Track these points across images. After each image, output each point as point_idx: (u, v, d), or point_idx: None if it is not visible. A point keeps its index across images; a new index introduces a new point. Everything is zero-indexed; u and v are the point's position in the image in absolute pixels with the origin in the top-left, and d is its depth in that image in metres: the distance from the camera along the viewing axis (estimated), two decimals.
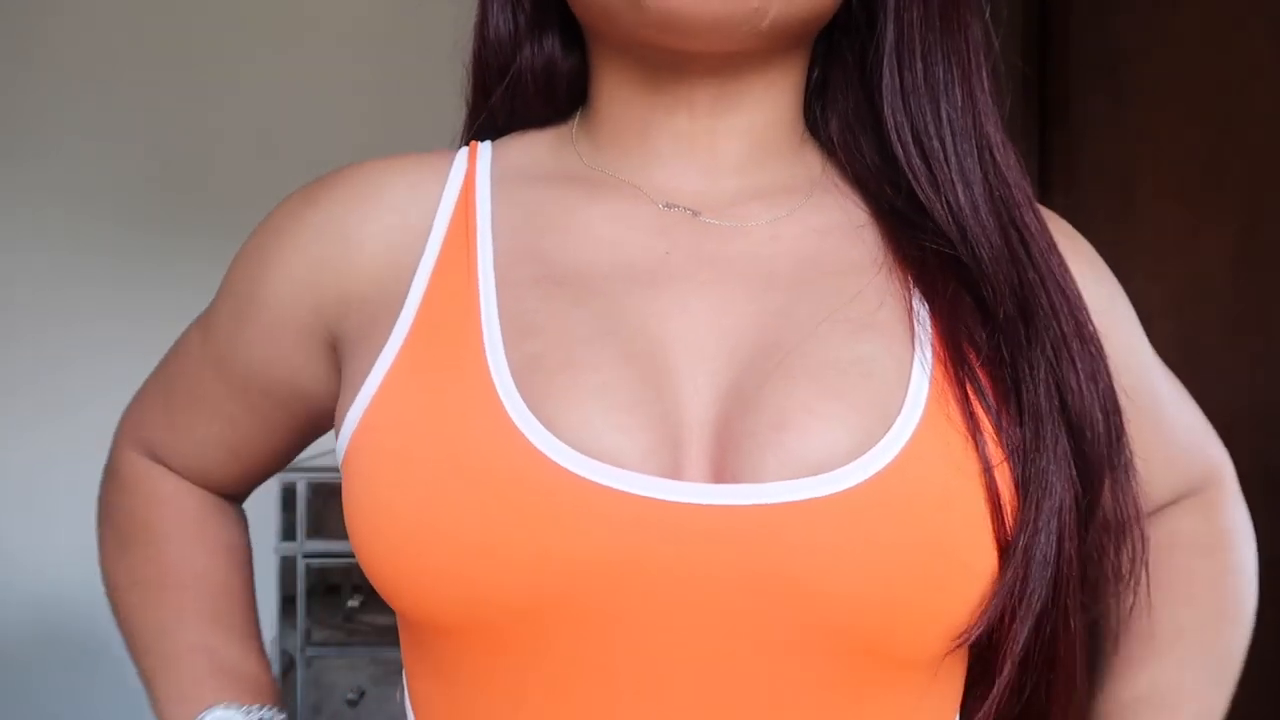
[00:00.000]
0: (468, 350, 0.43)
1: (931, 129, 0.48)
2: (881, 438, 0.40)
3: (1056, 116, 1.38)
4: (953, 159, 0.48)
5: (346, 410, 0.45)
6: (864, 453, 0.40)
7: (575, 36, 0.52)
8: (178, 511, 0.60)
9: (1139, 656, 0.51)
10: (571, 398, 0.41)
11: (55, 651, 2.31)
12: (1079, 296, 0.47)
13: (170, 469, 0.60)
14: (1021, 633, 0.41)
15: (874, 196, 0.49)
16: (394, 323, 0.45)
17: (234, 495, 0.62)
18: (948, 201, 0.47)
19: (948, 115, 0.48)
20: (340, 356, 0.50)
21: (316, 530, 1.96)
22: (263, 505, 2.47)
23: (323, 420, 0.54)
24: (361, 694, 1.98)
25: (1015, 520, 0.41)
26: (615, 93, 0.49)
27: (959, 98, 0.49)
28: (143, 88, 2.31)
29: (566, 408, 0.41)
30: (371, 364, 0.45)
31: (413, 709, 0.48)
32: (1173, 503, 0.57)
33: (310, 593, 1.96)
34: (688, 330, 0.44)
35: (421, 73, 2.34)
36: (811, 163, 0.51)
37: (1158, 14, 1.14)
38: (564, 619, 0.40)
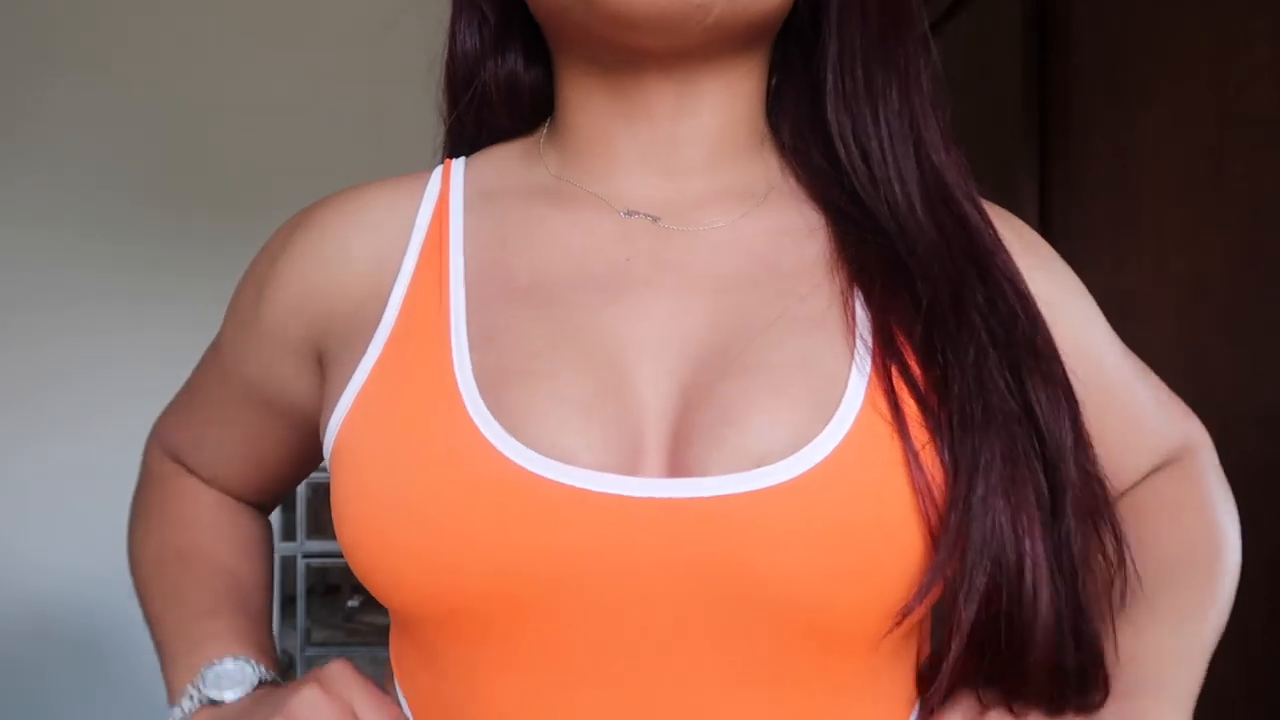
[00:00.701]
0: (437, 360, 0.46)
1: (870, 130, 0.50)
2: (819, 433, 0.43)
3: (1057, 116, 1.38)
4: (890, 159, 0.50)
5: (329, 417, 0.49)
6: (803, 447, 0.43)
7: (539, 51, 0.55)
8: (201, 505, 0.64)
9: (1123, 617, 0.50)
10: (531, 403, 0.44)
11: (55, 652, 2.31)
12: (1022, 288, 0.49)
13: (194, 474, 0.65)
14: (967, 611, 0.42)
15: (824, 197, 0.52)
16: (373, 334, 0.49)
17: (256, 504, 0.68)
18: (886, 199, 0.50)
19: (885, 119, 0.51)
20: (324, 368, 0.53)
21: (316, 530, 1.97)
22: None
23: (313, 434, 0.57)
24: None
25: (946, 502, 0.43)
26: (579, 102, 0.52)
27: (896, 103, 0.51)
28: (141, 85, 2.31)
29: (526, 413, 0.44)
30: (351, 373, 0.48)
31: (402, 691, 0.51)
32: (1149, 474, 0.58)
33: (310, 593, 1.97)
34: (646, 334, 0.47)
35: (419, 71, 2.34)
36: (770, 165, 0.54)
37: (1158, 14, 1.14)
38: (526, 607, 0.43)
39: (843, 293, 0.48)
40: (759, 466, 0.42)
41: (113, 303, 2.30)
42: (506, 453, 0.43)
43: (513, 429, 0.44)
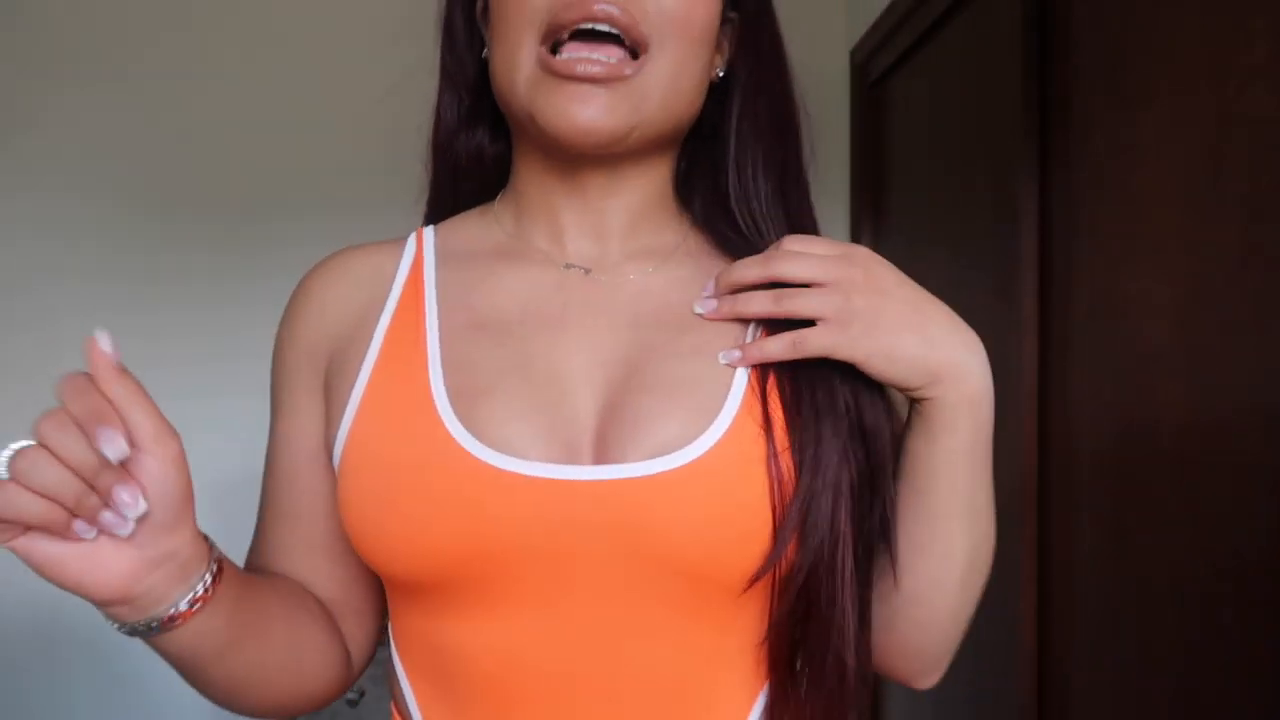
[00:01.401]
0: (417, 382, 0.60)
1: (760, 210, 0.67)
2: (703, 433, 0.58)
3: (1056, 116, 1.38)
4: (771, 229, 0.66)
5: (334, 434, 0.62)
6: (690, 443, 0.57)
7: (503, 129, 0.70)
8: (286, 583, 0.69)
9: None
10: (492, 414, 0.58)
11: (55, 652, 2.31)
12: None
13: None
14: (797, 579, 0.58)
15: (726, 255, 0.67)
16: (361, 363, 0.63)
17: (353, 633, 0.72)
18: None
19: (769, 204, 0.67)
20: (325, 397, 0.66)
21: None
22: None
23: None
24: (361, 694, 1.98)
25: (793, 494, 0.57)
26: (530, 177, 0.67)
27: (779, 193, 0.67)
28: (138, 84, 2.31)
29: (488, 422, 0.58)
30: (348, 398, 0.62)
31: (395, 642, 0.66)
32: None
33: None
34: (578, 360, 0.62)
35: (423, 81, 2.34)
36: (679, 229, 0.70)
37: (1158, 14, 1.14)
38: (492, 566, 0.57)
39: (732, 329, 0.63)
40: (660, 456, 0.57)
41: (117, 307, 2.30)
42: (474, 453, 0.57)
43: (478, 434, 0.57)
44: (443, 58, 0.70)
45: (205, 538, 0.58)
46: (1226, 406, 1.02)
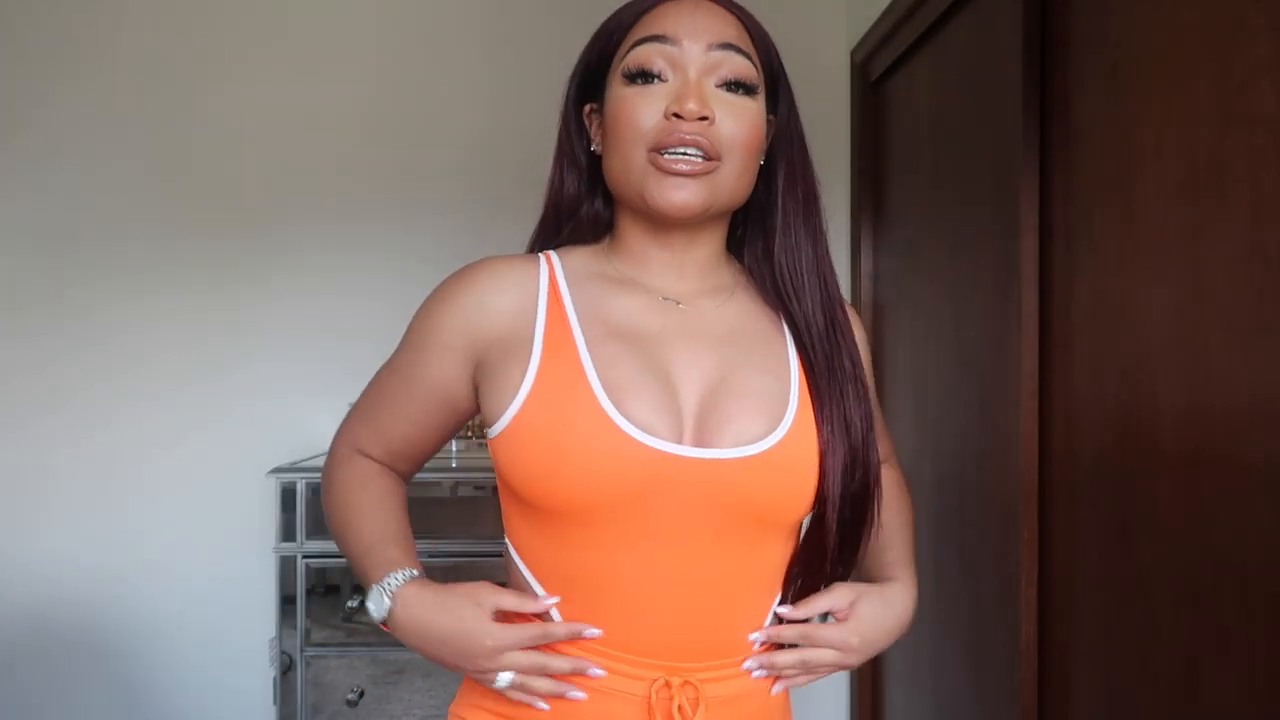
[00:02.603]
0: (578, 376, 0.84)
1: (797, 266, 0.94)
2: (775, 429, 0.86)
3: (1057, 117, 1.38)
4: (803, 282, 0.93)
5: (504, 407, 0.85)
6: (767, 436, 0.85)
7: (609, 198, 0.96)
8: (365, 474, 0.98)
9: (882, 544, 1.00)
10: (635, 403, 0.84)
11: (54, 653, 2.31)
12: (858, 358, 0.93)
13: (369, 457, 0.99)
14: (833, 513, 0.88)
15: (765, 296, 0.96)
16: (529, 359, 0.86)
17: (407, 473, 1.02)
18: (800, 305, 0.93)
19: (804, 259, 0.94)
20: (483, 375, 0.90)
21: (316, 531, 1.96)
22: (263, 506, 2.49)
23: (461, 416, 0.95)
24: (361, 694, 1.97)
25: (820, 468, 0.87)
26: (632, 234, 0.93)
27: (810, 251, 0.94)
28: (136, 83, 2.31)
29: (632, 406, 0.83)
30: (519, 383, 0.85)
31: (526, 566, 0.89)
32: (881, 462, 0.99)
33: (310, 593, 1.96)
34: (683, 368, 0.88)
35: (414, 72, 2.35)
36: (732, 272, 0.97)
37: (1158, 14, 1.14)
38: (633, 504, 0.83)
39: (784, 353, 0.92)
40: (747, 445, 0.84)
41: (116, 308, 2.30)
42: (623, 428, 0.82)
43: (626, 415, 0.82)
44: (561, 144, 0.96)
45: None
46: (1226, 406, 1.02)
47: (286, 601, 2.00)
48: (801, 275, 0.93)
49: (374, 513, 0.96)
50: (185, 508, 2.31)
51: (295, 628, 1.98)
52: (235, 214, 2.31)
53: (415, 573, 0.89)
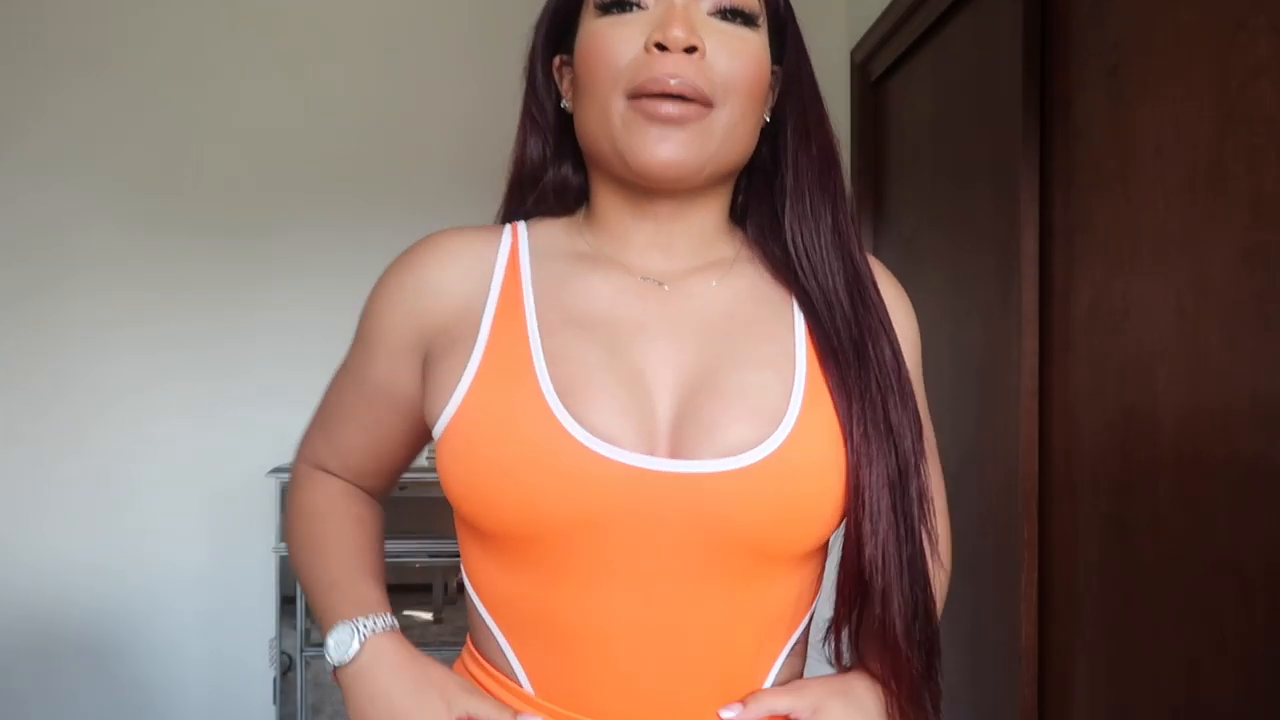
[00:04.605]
0: (525, 370, 0.69)
1: (813, 238, 0.77)
2: (770, 436, 0.68)
3: (1057, 116, 1.38)
4: (825, 256, 0.76)
5: (442, 406, 0.71)
6: (760, 444, 0.68)
7: (582, 161, 0.80)
8: (331, 498, 0.85)
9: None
10: (592, 405, 0.68)
11: (54, 653, 2.31)
12: (897, 344, 0.75)
13: (330, 474, 0.86)
14: (868, 547, 0.70)
15: (775, 274, 0.78)
16: (471, 349, 0.72)
17: (378, 490, 0.89)
18: (819, 283, 0.76)
19: (821, 230, 0.77)
20: (427, 366, 0.75)
21: None
22: (262, 506, 2.49)
23: (423, 421, 0.78)
24: None
25: (848, 485, 0.70)
26: (608, 203, 0.77)
27: (829, 219, 0.77)
28: (135, 85, 2.30)
29: (589, 411, 0.68)
30: (459, 377, 0.71)
31: (479, 596, 0.75)
32: None
33: None
34: (657, 364, 0.72)
35: (413, 72, 2.35)
36: (732, 248, 0.80)
37: (1158, 14, 1.14)
38: (589, 533, 0.67)
39: (789, 340, 0.75)
40: (732, 455, 0.68)
41: (115, 307, 2.30)
42: (579, 438, 0.66)
43: (580, 421, 0.67)
44: (527, 102, 0.82)
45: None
46: (1226, 406, 1.02)
47: (286, 601, 2.00)
48: (819, 249, 0.77)
49: (343, 543, 0.82)
50: (185, 508, 2.31)
51: (295, 628, 1.98)
52: (237, 215, 2.31)
53: (394, 623, 0.76)
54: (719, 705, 0.71)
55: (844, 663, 0.77)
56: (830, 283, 0.76)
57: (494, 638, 0.74)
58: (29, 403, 2.29)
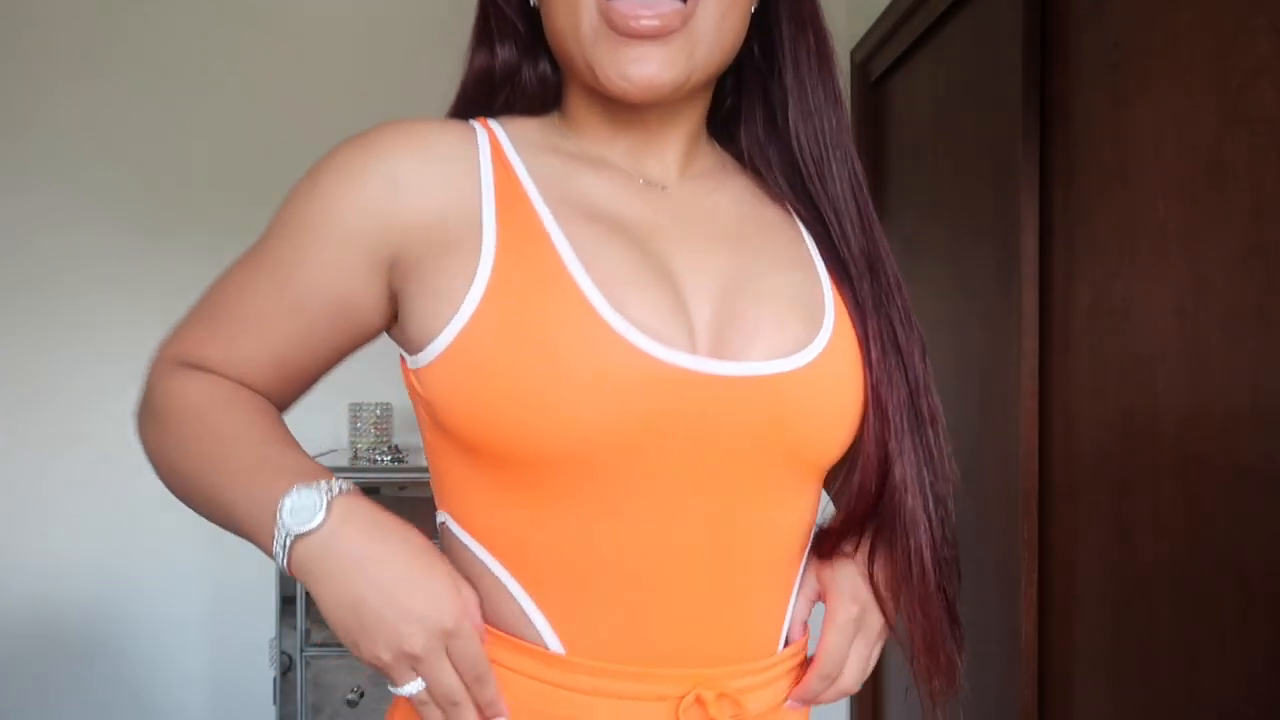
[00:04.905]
0: (553, 270, 0.60)
1: (818, 138, 0.71)
2: (816, 335, 0.65)
3: (1057, 116, 1.38)
4: (828, 159, 0.71)
5: (444, 320, 0.61)
6: (809, 344, 0.64)
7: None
8: (228, 391, 0.68)
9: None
10: (638, 302, 0.60)
11: (54, 653, 2.31)
12: (897, 271, 0.71)
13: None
14: (895, 468, 0.66)
15: (766, 179, 0.74)
16: (477, 251, 0.61)
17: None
18: (826, 189, 0.71)
19: (825, 128, 0.71)
20: (405, 281, 0.64)
21: None
22: None
23: (361, 336, 0.68)
24: (361, 694, 1.97)
25: (867, 402, 0.67)
26: (587, 110, 0.70)
27: (833, 117, 0.71)
28: (136, 82, 2.31)
29: (636, 309, 0.60)
30: (467, 283, 0.60)
31: (478, 538, 0.64)
32: None
33: (310, 593, 1.97)
34: (685, 267, 0.65)
35: (412, 68, 2.35)
36: (717, 155, 0.76)
37: (1158, 14, 1.14)
38: (637, 448, 0.60)
39: (802, 243, 0.71)
40: (785, 356, 0.63)
41: (113, 306, 2.30)
42: (630, 338, 0.59)
43: (631, 320, 0.59)
44: (487, 8, 0.73)
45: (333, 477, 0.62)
46: (1227, 406, 1.02)
47: (286, 601, 2.00)
48: (826, 149, 0.71)
49: (256, 428, 0.66)
50: (185, 508, 2.31)
51: (295, 628, 1.98)
52: (235, 212, 2.31)
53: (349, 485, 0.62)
54: (757, 632, 0.67)
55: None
56: (838, 188, 0.71)
57: (506, 594, 0.63)
58: (28, 401, 2.29)
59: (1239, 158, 0.99)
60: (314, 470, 0.62)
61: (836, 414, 0.65)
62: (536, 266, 0.61)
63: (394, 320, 0.67)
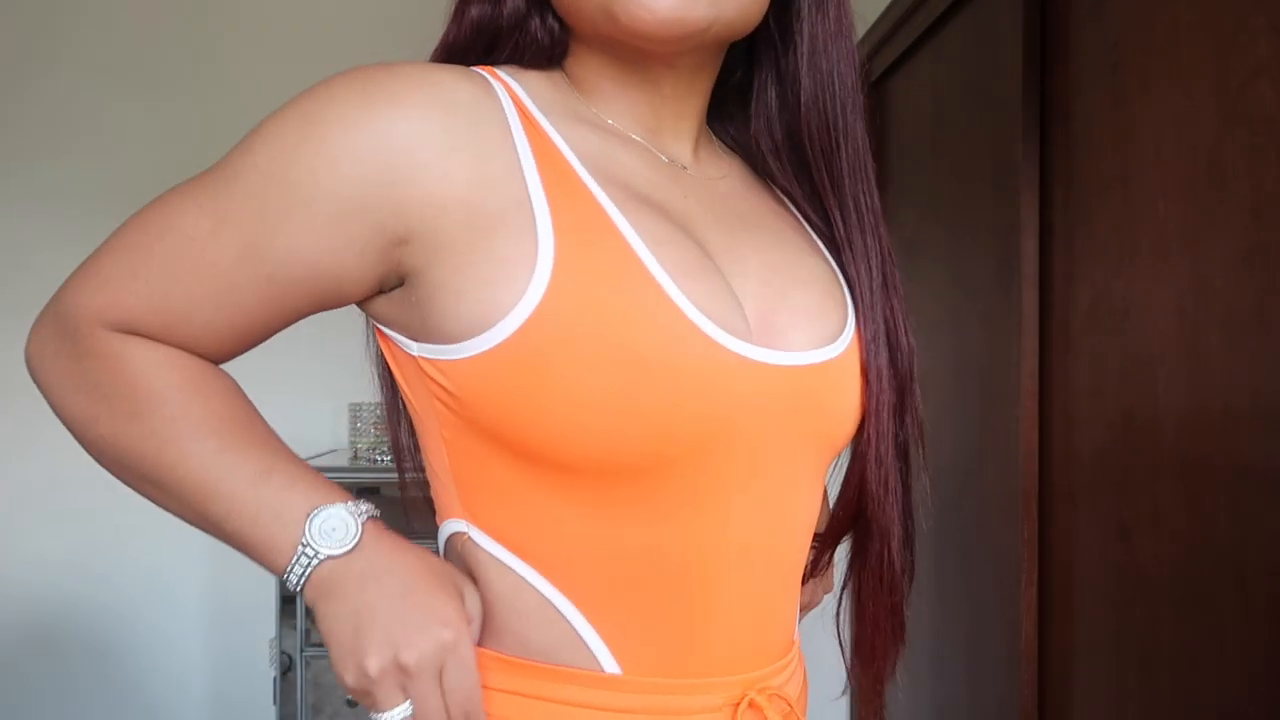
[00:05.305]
0: (622, 255, 0.55)
1: (828, 125, 0.65)
2: (845, 323, 0.64)
3: (1057, 116, 1.38)
4: (840, 148, 0.66)
5: (505, 309, 0.53)
6: (843, 331, 0.63)
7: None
8: (181, 371, 0.58)
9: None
10: (708, 294, 0.57)
11: (53, 653, 2.31)
12: (893, 257, 0.70)
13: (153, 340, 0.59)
14: (870, 467, 0.65)
15: (770, 163, 0.69)
16: (533, 231, 0.54)
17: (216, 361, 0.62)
18: (833, 178, 0.67)
19: (848, 105, 0.65)
20: (435, 254, 0.54)
21: None
22: None
23: (332, 306, 0.58)
24: None
25: (866, 394, 0.65)
26: (594, 69, 0.63)
27: (848, 100, 0.65)
28: (153, 90, 2.31)
29: (708, 301, 0.56)
30: (530, 268, 0.53)
31: (523, 556, 0.58)
32: None
33: (313, 609, 1.96)
34: (722, 253, 0.61)
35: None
36: (714, 136, 0.71)
37: (1158, 13, 1.14)
38: (717, 446, 0.57)
39: (808, 237, 0.69)
40: (828, 344, 0.62)
41: None
42: (710, 332, 0.55)
43: (705, 312, 0.56)
44: None
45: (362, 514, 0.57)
46: (1226, 406, 1.02)
47: (286, 601, 2.00)
48: (838, 134, 0.66)
49: (252, 427, 0.58)
50: None
51: (295, 628, 1.98)
52: None
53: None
54: (788, 625, 0.66)
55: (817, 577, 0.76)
56: (845, 178, 0.67)
57: (553, 614, 0.57)
58: (28, 400, 2.28)
59: (1239, 158, 0.99)
60: (328, 486, 0.57)
61: (856, 405, 0.64)
62: (605, 253, 0.54)
63: (375, 295, 0.58)
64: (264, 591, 2.20)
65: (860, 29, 2.25)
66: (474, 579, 0.59)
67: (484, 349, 0.53)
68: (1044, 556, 1.41)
